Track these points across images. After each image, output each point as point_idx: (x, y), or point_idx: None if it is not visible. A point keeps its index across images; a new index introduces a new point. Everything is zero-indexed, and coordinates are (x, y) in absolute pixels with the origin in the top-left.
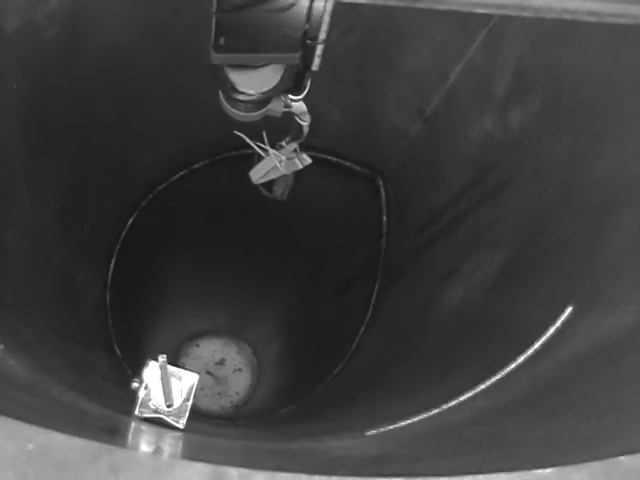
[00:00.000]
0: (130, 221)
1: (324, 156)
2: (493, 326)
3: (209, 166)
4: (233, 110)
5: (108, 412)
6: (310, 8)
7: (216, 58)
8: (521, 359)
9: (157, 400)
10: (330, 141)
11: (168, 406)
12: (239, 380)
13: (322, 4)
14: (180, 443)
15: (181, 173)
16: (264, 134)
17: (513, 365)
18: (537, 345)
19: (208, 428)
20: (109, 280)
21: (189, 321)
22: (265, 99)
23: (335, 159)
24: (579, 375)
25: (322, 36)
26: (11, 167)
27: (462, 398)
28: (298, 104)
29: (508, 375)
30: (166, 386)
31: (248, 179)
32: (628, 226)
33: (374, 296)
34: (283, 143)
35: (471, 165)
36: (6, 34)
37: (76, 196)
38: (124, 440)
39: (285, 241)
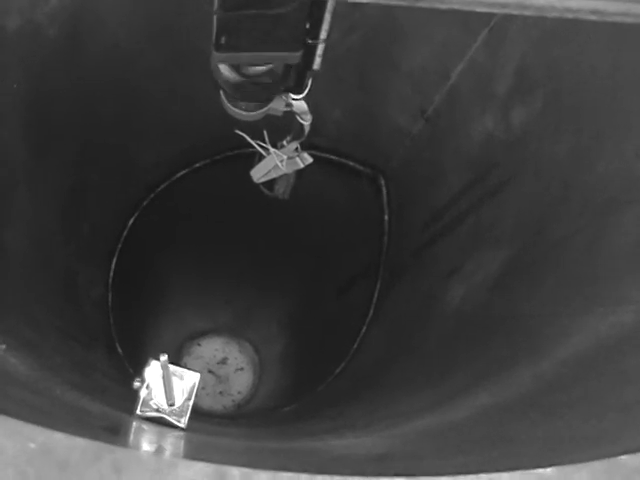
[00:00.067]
0: (131, 220)
1: (326, 155)
2: (494, 325)
3: (210, 165)
4: (234, 109)
5: (110, 411)
6: (311, 7)
7: (217, 57)
8: (522, 358)
9: (159, 399)
10: (331, 140)
11: (170, 405)
12: (241, 379)
13: (323, 3)
14: (182, 442)
15: (182, 172)
16: (265, 133)
17: (515, 364)
18: (538, 344)
19: (210, 427)
20: (110, 279)
21: (190, 320)
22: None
23: (337, 158)
24: (580, 375)
25: (323, 35)
26: (11, 167)
27: (463, 397)
28: (299, 103)
29: (509, 374)
30: (167, 385)
31: (249, 178)
32: (629, 226)
33: (376, 295)
34: (284, 142)
35: (472, 164)
36: (7, 33)
37: (77, 196)
38: (126, 439)
39: (286, 240)
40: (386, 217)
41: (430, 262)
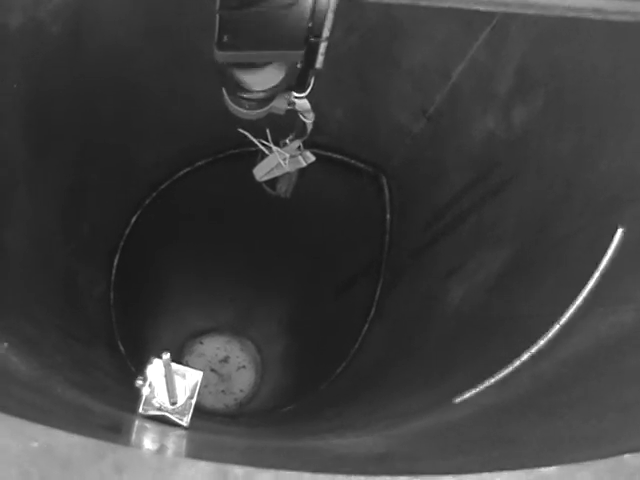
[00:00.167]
0: (133, 219)
1: (327, 154)
2: (495, 325)
3: (212, 164)
4: (237, 108)
5: (112, 410)
6: (314, 6)
7: (220, 56)
8: (523, 358)
9: (161, 398)
10: (333, 139)
11: (172, 404)
12: (243, 377)
13: (325, 1)
14: (184, 441)
15: (184, 171)
16: (267, 132)
17: (515, 364)
18: (538, 344)
19: (212, 426)
20: (113, 278)
21: (192, 318)
22: (269, 97)
23: (339, 157)
24: (580, 374)
25: (325, 34)
26: (11, 167)
27: (463, 397)
28: (302, 102)
29: (509, 374)
30: (170, 384)
31: (251, 177)
32: (631, 224)
33: (377, 294)
34: (287, 141)
35: (474, 163)
36: (9, 31)
37: (77, 196)
38: (128, 438)
39: (289, 238)
40: (388, 216)
41: (432, 261)
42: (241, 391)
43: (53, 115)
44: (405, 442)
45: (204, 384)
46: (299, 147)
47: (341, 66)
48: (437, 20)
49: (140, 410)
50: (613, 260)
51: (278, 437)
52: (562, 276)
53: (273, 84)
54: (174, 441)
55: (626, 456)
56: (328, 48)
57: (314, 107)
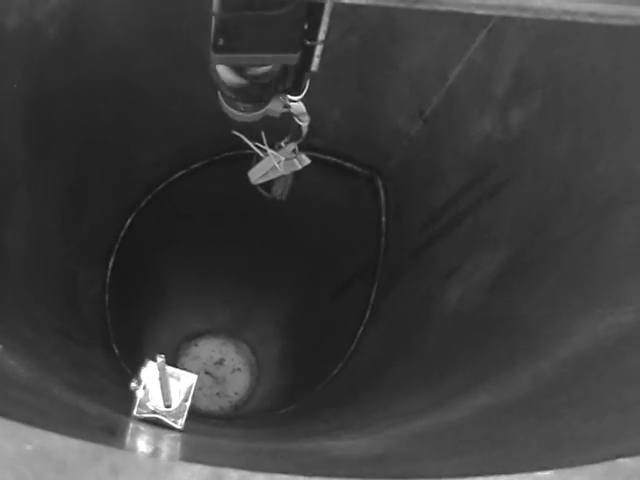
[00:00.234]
0: (129, 221)
1: (323, 156)
2: (493, 326)
3: (208, 166)
4: (232, 110)
5: (108, 411)
6: (309, 9)
7: (215, 59)
8: (521, 359)
9: (155, 401)
10: (329, 141)
11: (167, 407)
12: (238, 380)
13: (321, 4)
14: (179, 444)
15: (180, 173)
16: (263, 134)
17: (513, 365)
18: (537, 345)
19: (207, 428)
20: (108, 279)
21: (188, 320)
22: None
23: (334, 159)
24: (579, 375)
25: (321, 36)
26: (11, 167)
27: (462, 398)
28: (297, 104)
29: (508, 375)
30: (164, 386)
31: (247, 179)
32: (629, 226)
33: (373, 296)
34: (282, 143)
35: (471, 165)
36: (6, 32)
37: (76, 196)
38: (123, 440)
39: (284, 241)
40: (384, 218)
41: (428, 263)
42: (236, 394)
43: (53, 115)
44: (404, 442)
45: (199, 387)
46: (294, 150)
47: (338, 67)
48: (436, 21)
49: (135, 413)
50: (612, 261)
51: (274, 439)
52: (561, 277)
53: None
54: (169, 444)
55: (623, 459)
56: (324, 50)
57: (310, 109)
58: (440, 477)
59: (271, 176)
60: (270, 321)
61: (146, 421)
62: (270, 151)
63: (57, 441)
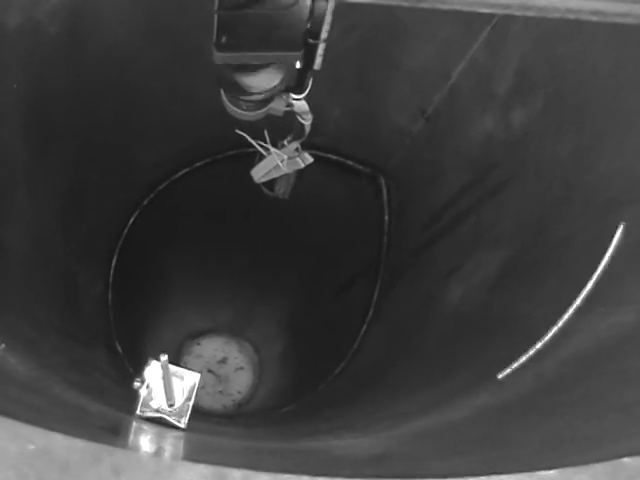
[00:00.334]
0: (131, 220)
1: (326, 155)
2: (494, 325)
3: (210, 165)
4: (235, 109)
5: (110, 411)
6: (312, 7)
7: (218, 57)
8: (523, 358)
9: (159, 399)
10: (332, 140)
11: (170, 405)
12: (241, 379)
13: (324, 3)
14: (181, 443)
15: (182, 172)
16: (266, 133)
17: (515, 364)
18: (538, 344)
19: (210, 427)
20: (111, 278)
21: (190, 319)
22: (267, 98)
23: (337, 158)
24: (581, 375)
25: (324, 35)
26: (11, 167)
27: (463, 397)
28: (300, 103)
29: (510, 374)
30: (168, 385)
31: (250, 178)
32: (630, 225)
33: (376, 294)
34: (285, 142)
35: (472, 164)
36: (7, 31)
37: (76, 196)
38: (126, 440)
39: (287, 239)
40: (386, 217)
41: (430, 262)
42: (239, 392)
43: (53, 115)
44: (405, 442)
45: (201, 385)
46: (297, 148)
47: (340, 66)
48: (438, 20)
49: (138, 412)
50: (613, 260)
51: (276, 438)
52: (563, 276)
53: (271, 86)
54: (172, 443)
55: (625, 459)
56: (327, 49)
57: (312, 108)
58: (444, 477)
59: (274, 174)
60: (273, 320)
61: (149, 420)
62: (273, 149)
63: (60, 441)
